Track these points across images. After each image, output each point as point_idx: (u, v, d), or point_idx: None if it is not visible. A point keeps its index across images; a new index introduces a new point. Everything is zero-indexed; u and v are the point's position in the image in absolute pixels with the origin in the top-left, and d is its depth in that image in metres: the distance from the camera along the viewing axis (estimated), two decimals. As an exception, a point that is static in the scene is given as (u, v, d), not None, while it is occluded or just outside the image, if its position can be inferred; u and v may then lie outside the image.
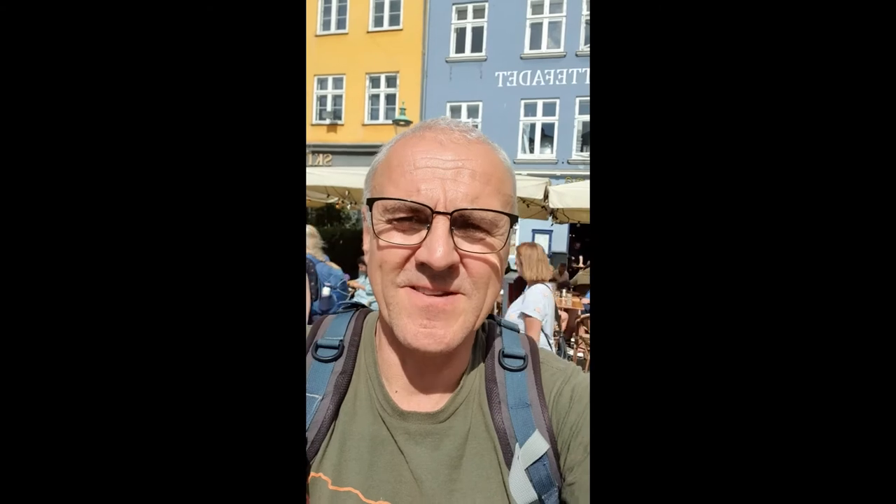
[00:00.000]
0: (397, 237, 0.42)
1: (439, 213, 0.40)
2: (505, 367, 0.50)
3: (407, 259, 0.42)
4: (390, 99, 11.95)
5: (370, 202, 0.44)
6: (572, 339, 5.23)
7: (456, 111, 11.70)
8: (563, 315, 5.20)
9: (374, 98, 12.10)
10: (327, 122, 12.19)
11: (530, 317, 2.90)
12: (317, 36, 12.15)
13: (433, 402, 0.48)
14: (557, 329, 5.12)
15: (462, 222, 0.41)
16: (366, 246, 0.48)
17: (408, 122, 8.11)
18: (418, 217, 0.41)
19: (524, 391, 0.48)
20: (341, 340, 0.50)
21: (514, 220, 0.44)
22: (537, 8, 11.07)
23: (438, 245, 0.40)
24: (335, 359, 0.49)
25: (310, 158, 11.95)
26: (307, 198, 5.51)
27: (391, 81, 11.98)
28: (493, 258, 0.43)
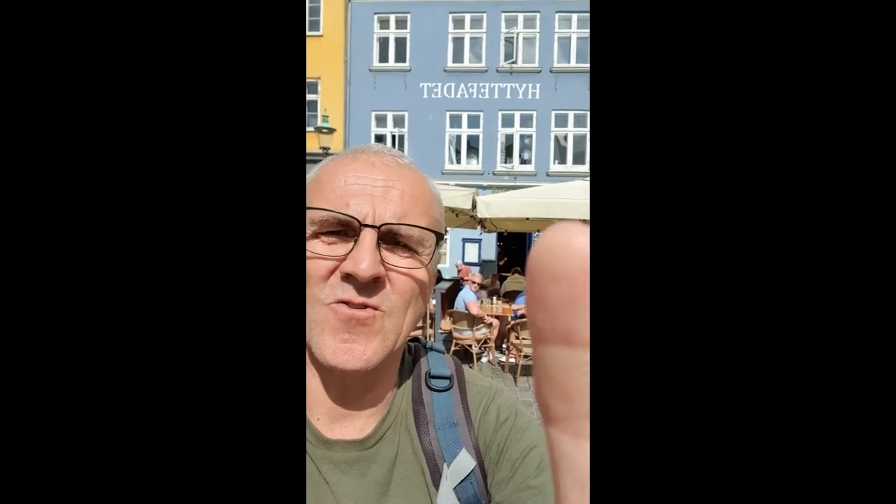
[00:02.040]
0: (323, 249, 0.41)
1: (367, 225, 0.40)
2: (432, 388, 0.49)
3: (331, 272, 0.41)
4: (311, 105, 11.50)
5: None
6: (504, 346, 5.32)
7: (381, 120, 11.58)
8: (495, 322, 5.28)
9: (294, 104, 11.59)
10: (242, 127, 11.39)
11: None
12: (228, 36, 11.35)
13: (358, 428, 0.46)
14: (489, 336, 5.18)
15: (389, 238, 0.42)
16: None
17: (331, 130, 7.82)
18: (345, 231, 0.41)
19: (451, 410, 0.48)
20: None
21: (439, 238, 0.45)
22: (459, 23, 11.39)
23: (365, 256, 0.39)
24: None
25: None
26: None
27: (312, 88, 11.55)
28: (420, 274, 0.43)
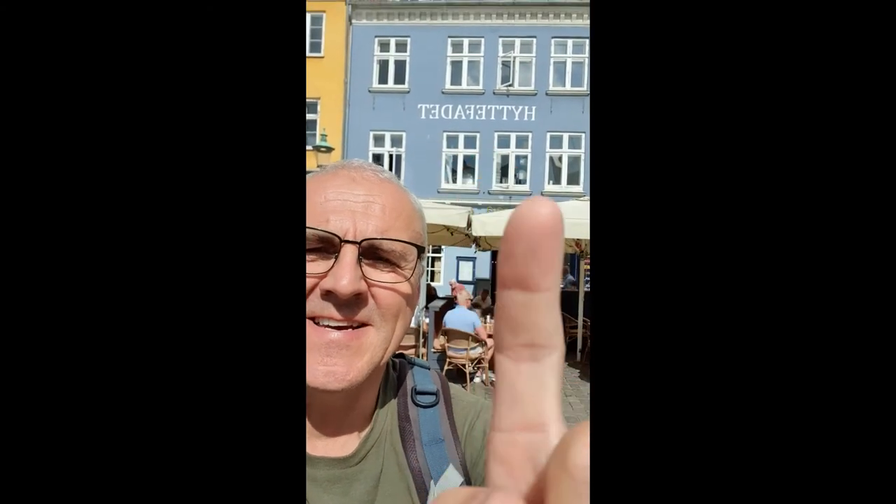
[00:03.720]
0: None
1: (347, 241, 0.40)
2: (417, 404, 0.49)
3: (312, 290, 0.40)
4: (310, 125, 11.66)
5: None
6: (498, 366, 5.26)
7: (379, 140, 11.73)
8: (489, 341, 5.24)
9: (294, 123, 11.76)
10: (241, 145, 11.54)
11: None
12: (231, 56, 11.62)
13: (340, 446, 0.45)
14: (483, 355, 5.14)
15: (371, 253, 0.41)
16: None
17: (329, 149, 7.92)
18: (326, 248, 0.41)
19: (437, 426, 0.48)
20: None
21: (421, 251, 0.45)
22: (457, 47, 11.67)
23: (345, 272, 0.39)
24: None
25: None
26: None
27: (311, 107, 11.73)
28: (404, 288, 0.43)
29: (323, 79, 11.47)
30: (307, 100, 11.74)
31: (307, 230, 0.40)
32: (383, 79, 11.79)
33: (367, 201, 0.42)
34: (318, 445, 0.45)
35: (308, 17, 11.61)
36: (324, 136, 8.53)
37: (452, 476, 0.45)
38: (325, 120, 11.40)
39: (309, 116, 11.70)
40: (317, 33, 11.71)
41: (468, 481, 0.46)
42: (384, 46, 11.80)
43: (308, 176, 0.46)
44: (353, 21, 11.68)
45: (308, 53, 11.72)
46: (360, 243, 0.40)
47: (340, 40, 11.62)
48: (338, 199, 0.42)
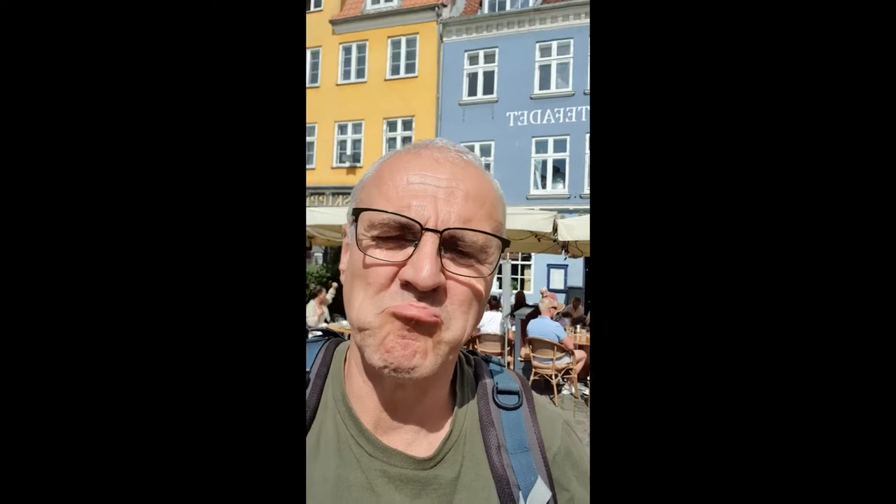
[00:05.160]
0: (381, 254, 0.39)
1: (429, 230, 0.38)
2: (500, 406, 0.46)
3: (392, 279, 0.39)
4: (406, 141, 12.36)
5: (356, 213, 0.41)
6: (588, 378, 5.02)
7: (469, 150, 11.98)
8: (578, 352, 5.03)
9: (392, 141, 12.60)
10: (347, 164, 12.69)
11: None
12: (337, 85, 12.89)
13: (409, 440, 0.44)
14: (571, 366, 4.95)
15: (451, 244, 0.39)
16: (343, 265, 0.44)
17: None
18: (405, 235, 0.39)
19: (522, 433, 0.45)
20: (307, 372, 0.45)
21: (505, 244, 0.42)
22: (545, 51, 11.49)
23: (425, 263, 0.37)
24: None
25: (330, 199, 12.40)
26: (324, 237, 5.67)
27: (407, 125, 12.48)
28: (480, 284, 0.41)
29: (417, 97, 12.17)
30: (403, 118, 12.58)
31: (388, 215, 0.38)
32: (472, 91, 12.07)
33: (451, 186, 0.39)
34: (383, 437, 0.43)
35: (403, 39, 12.41)
36: (416, 152, 9.08)
37: (542, 491, 0.42)
38: (420, 135, 12.05)
39: (405, 133, 12.47)
40: (411, 55, 12.45)
41: (554, 497, 0.43)
42: (473, 59, 12.09)
43: (389, 153, 0.44)
44: (444, 39, 12.20)
45: (403, 74, 12.50)
46: (441, 233, 0.38)
47: (433, 59, 12.21)
48: (420, 183, 0.39)
